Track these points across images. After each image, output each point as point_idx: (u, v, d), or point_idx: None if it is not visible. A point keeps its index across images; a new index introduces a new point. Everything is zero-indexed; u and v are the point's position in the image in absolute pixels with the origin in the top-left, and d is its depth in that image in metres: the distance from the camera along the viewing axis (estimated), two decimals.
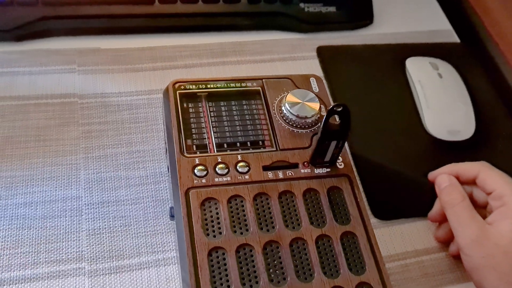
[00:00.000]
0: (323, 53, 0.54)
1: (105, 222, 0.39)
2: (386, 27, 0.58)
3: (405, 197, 0.44)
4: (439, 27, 0.59)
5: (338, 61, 0.53)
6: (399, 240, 0.42)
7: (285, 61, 0.52)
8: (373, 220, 0.43)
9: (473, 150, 0.48)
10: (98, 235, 0.38)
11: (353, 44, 0.55)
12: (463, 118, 0.49)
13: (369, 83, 0.52)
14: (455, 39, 0.59)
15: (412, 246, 0.42)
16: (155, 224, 0.39)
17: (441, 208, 0.40)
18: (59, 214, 0.39)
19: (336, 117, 0.32)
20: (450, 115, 0.49)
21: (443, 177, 0.40)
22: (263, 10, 0.54)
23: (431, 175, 0.42)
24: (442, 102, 0.49)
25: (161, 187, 0.41)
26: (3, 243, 0.37)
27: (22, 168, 0.41)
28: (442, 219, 0.41)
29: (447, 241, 0.42)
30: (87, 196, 0.40)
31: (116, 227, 0.39)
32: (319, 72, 0.52)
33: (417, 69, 0.52)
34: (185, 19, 0.52)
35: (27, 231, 0.38)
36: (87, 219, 0.39)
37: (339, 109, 0.31)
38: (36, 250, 0.37)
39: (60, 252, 0.37)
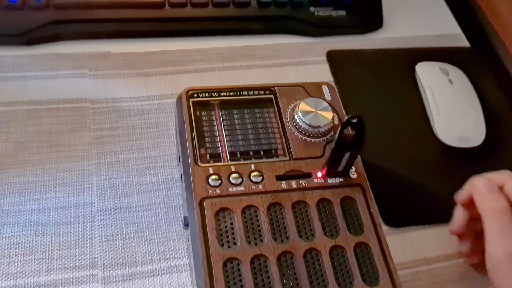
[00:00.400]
0: (333, 57, 0.54)
1: (117, 228, 0.39)
2: (396, 31, 0.58)
3: (415, 204, 0.45)
4: (449, 31, 0.59)
5: (348, 65, 0.53)
6: (409, 247, 0.42)
7: (295, 65, 0.52)
8: (383, 228, 0.43)
9: (483, 156, 0.48)
10: (111, 242, 0.39)
11: (363, 48, 0.55)
12: (473, 124, 0.49)
13: (379, 88, 0.52)
14: (465, 43, 0.58)
15: (422, 254, 0.42)
16: (167, 231, 0.40)
17: (464, 220, 0.38)
18: (72, 220, 0.39)
19: (350, 127, 0.32)
20: (461, 122, 0.49)
21: (483, 181, 0.36)
22: (273, 14, 0.54)
23: (459, 197, 0.39)
24: (453, 108, 0.49)
25: (172, 194, 0.42)
26: (17, 249, 0.37)
27: (34, 174, 0.41)
28: (466, 232, 0.39)
29: (472, 255, 0.40)
30: (100, 202, 0.40)
31: (128, 233, 0.39)
32: (329, 77, 0.52)
33: (427, 74, 0.52)
34: (195, 23, 0.52)
35: (41, 238, 0.38)
36: (99, 225, 0.39)
37: (354, 121, 0.31)
38: (50, 256, 0.37)
39: (74, 259, 0.37)
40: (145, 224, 0.40)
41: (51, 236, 0.38)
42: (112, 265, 0.38)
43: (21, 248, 0.37)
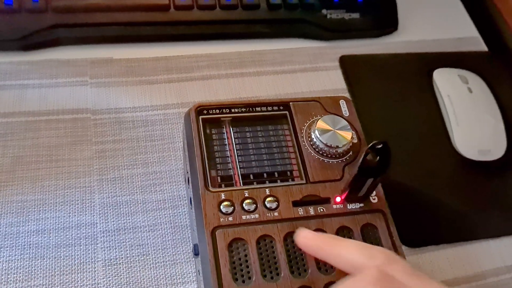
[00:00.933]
0: (346, 63, 0.51)
1: (121, 251, 0.37)
2: (411, 34, 0.55)
3: (434, 222, 0.42)
4: (466, 35, 0.57)
5: (361, 72, 0.51)
6: (428, 269, 0.40)
7: (306, 72, 0.50)
8: None
9: (505, 170, 0.46)
10: (115, 266, 0.36)
11: (377, 53, 0.53)
12: (494, 136, 0.47)
13: (394, 96, 0.49)
14: (483, 47, 0.56)
15: (441, 276, 0.40)
16: (174, 253, 0.38)
17: None
18: (73, 242, 0.37)
19: (374, 153, 0.30)
20: (481, 133, 0.47)
21: None
22: (284, 17, 0.51)
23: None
24: (472, 119, 0.47)
25: (179, 212, 0.39)
26: (15, 275, 0.35)
27: (33, 191, 0.39)
28: None
29: None
30: (102, 223, 0.38)
31: (133, 256, 0.37)
32: (342, 84, 0.50)
33: (446, 82, 0.49)
34: (201, 26, 0.49)
35: (40, 261, 0.36)
36: (102, 247, 0.37)
37: (379, 146, 0.29)
38: (50, 282, 0.35)
39: (76, 285, 0.35)
40: (150, 246, 0.38)
41: (52, 260, 0.36)
42: None
43: (20, 273, 0.35)
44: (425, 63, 0.52)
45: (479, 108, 0.48)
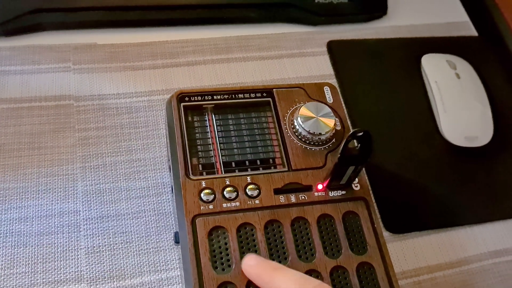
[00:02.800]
0: (333, 48, 0.50)
1: (104, 238, 0.37)
2: (401, 19, 0.55)
3: (419, 209, 0.42)
4: (456, 19, 0.56)
5: (349, 57, 0.50)
6: (411, 255, 0.40)
7: (293, 57, 0.49)
8: (384, 234, 0.41)
9: (491, 156, 0.46)
10: (98, 253, 0.36)
11: (366, 38, 0.52)
12: (481, 122, 0.47)
13: (382, 82, 0.49)
14: (473, 32, 0.55)
15: (425, 262, 0.40)
16: (157, 240, 0.37)
17: None
18: (56, 230, 0.37)
19: (355, 141, 0.30)
20: (468, 120, 0.46)
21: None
22: (271, 1, 0.50)
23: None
24: (460, 106, 0.47)
25: (163, 199, 0.39)
26: None
27: (15, 179, 0.38)
28: None
29: None
30: (85, 210, 0.38)
31: (116, 244, 0.37)
32: (329, 70, 0.49)
33: (434, 68, 0.49)
34: (187, 11, 0.48)
35: (23, 249, 0.36)
36: (85, 235, 0.37)
37: (360, 134, 0.29)
38: (33, 270, 0.35)
39: (58, 272, 0.35)
40: (134, 233, 0.38)
41: (34, 248, 0.36)
42: (99, 278, 0.35)
43: (2, 261, 0.35)
44: (414, 49, 0.52)
45: (467, 94, 0.47)
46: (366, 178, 0.34)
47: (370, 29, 0.53)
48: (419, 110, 0.48)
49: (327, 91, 0.37)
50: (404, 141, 0.46)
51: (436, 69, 0.49)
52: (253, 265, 0.28)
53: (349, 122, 0.45)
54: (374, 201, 0.42)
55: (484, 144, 0.46)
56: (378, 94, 0.48)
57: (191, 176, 0.32)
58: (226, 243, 0.30)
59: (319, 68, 0.49)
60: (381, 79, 0.49)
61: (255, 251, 0.30)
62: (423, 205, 0.43)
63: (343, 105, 0.37)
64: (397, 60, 0.51)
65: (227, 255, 0.29)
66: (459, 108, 0.46)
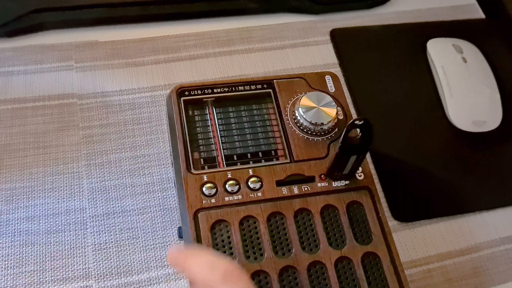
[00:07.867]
0: (337, 37, 0.50)
1: (111, 235, 0.37)
2: (405, 4, 0.54)
3: (427, 196, 0.42)
4: (462, 2, 0.55)
5: (353, 45, 0.50)
6: (421, 243, 0.40)
7: (296, 47, 0.49)
8: (392, 223, 0.41)
9: (501, 141, 0.45)
10: (105, 250, 0.37)
11: (369, 25, 0.51)
12: (489, 106, 0.46)
13: (388, 69, 0.48)
14: (480, 14, 0.54)
15: (435, 250, 0.40)
16: (163, 235, 0.38)
17: None
18: (63, 228, 0.37)
19: (357, 129, 0.29)
20: (476, 104, 0.45)
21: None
22: None
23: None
24: (467, 90, 0.46)
25: (168, 195, 0.39)
26: (6, 262, 0.35)
27: (22, 179, 0.39)
28: None
29: None
30: (91, 208, 0.38)
31: (123, 240, 0.37)
32: (333, 58, 0.49)
33: (440, 52, 0.48)
34: (187, 5, 0.48)
35: (31, 248, 0.36)
36: (92, 232, 0.37)
37: (360, 123, 0.28)
38: (41, 268, 0.35)
39: (66, 270, 0.36)
40: (140, 229, 0.38)
41: (42, 246, 0.36)
42: (107, 274, 0.36)
43: (11, 260, 0.36)
44: (419, 34, 0.51)
45: (474, 78, 0.46)
46: (370, 167, 0.33)
47: (374, 15, 0.52)
48: (425, 95, 0.47)
49: (328, 80, 0.36)
50: (411, 128, 0.45)
51: (442, 54, 0.48)
52: (172, 253, 0.28)
53: (353, 111, 0.45)
54: (381, 189, 0.42)
55: (493, 128, 0.45)
56: (384, 81, 0.48)
57: (193, 171, 0.31)
58: (229, 237, 0.30)
59: (323, 57, 0.49)
60: (386, 66, 0.48)
61: (258, 244, 0.30)
62: (431, 192, 0.42)
63: (346, 94, 0.36)
64: (402, 46, 0.50)
65: (230, 248, 0.29)
66: (466, 92, 0.46)
